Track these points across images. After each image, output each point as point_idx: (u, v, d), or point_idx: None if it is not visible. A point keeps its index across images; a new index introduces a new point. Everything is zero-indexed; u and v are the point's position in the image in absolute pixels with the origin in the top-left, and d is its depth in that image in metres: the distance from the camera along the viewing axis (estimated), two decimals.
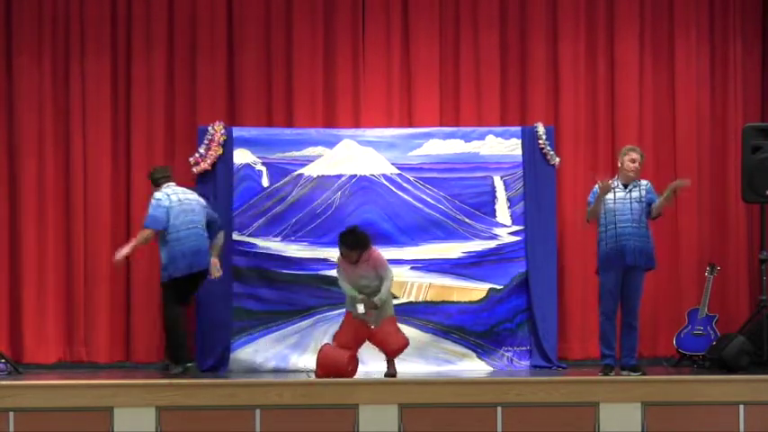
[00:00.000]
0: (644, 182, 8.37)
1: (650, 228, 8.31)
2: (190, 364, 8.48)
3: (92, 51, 9.59)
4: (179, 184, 8.96)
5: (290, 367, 9.00)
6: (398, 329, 8.16)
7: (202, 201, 8.81)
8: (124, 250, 8.59)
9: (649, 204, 8.28)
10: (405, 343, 8.10)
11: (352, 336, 7.96)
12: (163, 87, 9.62)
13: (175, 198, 8.64)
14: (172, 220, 8.54)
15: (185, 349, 8.56)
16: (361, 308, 7.89)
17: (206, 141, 9.23)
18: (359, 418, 6.94)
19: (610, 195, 8.25)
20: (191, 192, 8.83)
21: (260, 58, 9.69)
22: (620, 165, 8.37)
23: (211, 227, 8.75)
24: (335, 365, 7.72)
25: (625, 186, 8.29)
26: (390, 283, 8.05)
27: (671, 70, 9.91)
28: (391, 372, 8.04)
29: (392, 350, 8.07)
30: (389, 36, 9.76)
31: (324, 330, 8.93)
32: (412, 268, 9.22)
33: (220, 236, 8.83)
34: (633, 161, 8.28)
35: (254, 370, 8.97)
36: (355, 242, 7.94)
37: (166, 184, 8.75)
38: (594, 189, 8.36)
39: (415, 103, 9.75)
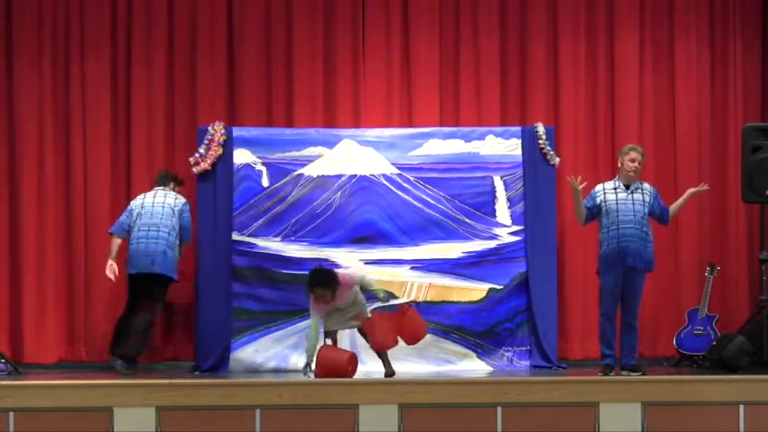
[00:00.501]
0: (647, 185, 8.36)
1: (651, 231, 8.30)
2: (114, 361, 8.60)
3: (92, 52, 9.58)
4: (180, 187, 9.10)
5: (290, 367, 8.98)
6: (423, 320, 8.25)
7: (179, 208, 8.85)
8: (108, 263, 8.75)
9: (658, 212, 8.28)
10: (426, 331, 8.22)
11: (385, 318, 8.02)
12: (163, 88, 9.62)
13: (140, 201, 8.85)
14: (133, 222, 8.79)
15: (117, 345, 8.69)
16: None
17: (206, 141, 9.22)
18: (359, 418, 6.94)
19: (611, 196, 8.25)
20: (173, 196, 8.91)
21: (260, 59, 9.69)
22: (620, 165, 8.35)
23: (180, 236, 8.89)
24: (335, 365, 7.71)
25: (627, 187, 8.28)
26: (369, 278, 8.17)
27: (671, 71, 9.91)
28: (389, 371, 8.03)
29: (414, 341, 8.12)
30: (389, 37, 9.75)
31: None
32: (412, 268, 9.22)
33: (181, 248, 8.94)
34: (633, 161, 8.25)
35: (254, 370, 8.96)
36: (327, 280, 7.83)
37: (155, 188, 8.93)
38: (592, 191, 8.36)
39: (415, 103, 9.75)
